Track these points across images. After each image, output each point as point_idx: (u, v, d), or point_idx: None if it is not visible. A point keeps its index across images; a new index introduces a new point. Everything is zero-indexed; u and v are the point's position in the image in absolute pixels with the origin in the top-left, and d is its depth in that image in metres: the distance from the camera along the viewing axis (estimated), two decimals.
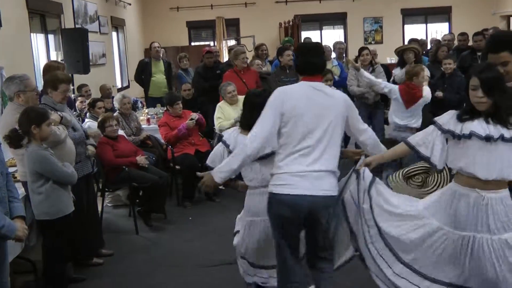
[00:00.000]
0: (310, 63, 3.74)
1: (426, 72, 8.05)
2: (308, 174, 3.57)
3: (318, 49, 3.86)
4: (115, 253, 5.93)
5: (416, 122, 7.43)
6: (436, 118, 3.60)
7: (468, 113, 3.43)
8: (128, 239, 6.45)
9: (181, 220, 7.00)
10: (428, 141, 3.57)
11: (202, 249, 5.99)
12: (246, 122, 4.11)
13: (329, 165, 3.61)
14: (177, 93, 8.60)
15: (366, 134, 3.94)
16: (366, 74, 7.90)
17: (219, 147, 4.33)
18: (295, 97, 3.66)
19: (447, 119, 3.51)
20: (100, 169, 6.59)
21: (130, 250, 6.08)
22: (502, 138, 3.31)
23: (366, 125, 3.95)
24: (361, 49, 8.59)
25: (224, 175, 3.69)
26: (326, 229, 3.73)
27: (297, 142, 3.61)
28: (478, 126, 3.37)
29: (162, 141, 7.86)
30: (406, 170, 4.41)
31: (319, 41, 16.04)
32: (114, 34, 13.25)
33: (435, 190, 4.08)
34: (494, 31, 9.89)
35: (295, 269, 3.82)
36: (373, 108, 8.48)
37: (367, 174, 3.69)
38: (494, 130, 3.33)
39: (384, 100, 8.71)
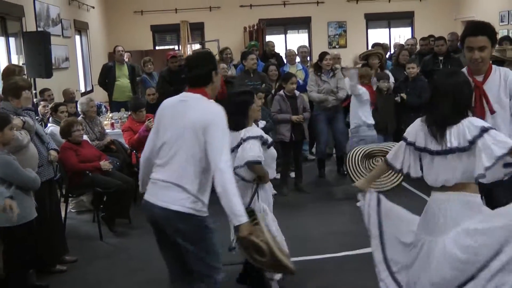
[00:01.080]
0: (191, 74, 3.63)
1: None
2: (157, 182, 3.55)
3: (201, 60, 3.69)
4: (79, 259, 5.89)
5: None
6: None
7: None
8: (92, 245, 6.41)
9: (146, 225, 6.86)
10: (398, 155, 3.68)
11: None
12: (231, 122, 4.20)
13: (177, 178, 3.48)
14: (142, 97, 8.56)
15: (217, 176, 3.40)
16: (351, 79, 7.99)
17: None
18: (164, 109, 3.67)
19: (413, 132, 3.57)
20: (63, 175, 6.53)
21: (94, 256, 6.04)
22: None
23: (223, 165, 3.38)
24: (323, 54, 8.67)
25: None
26: (190, 251, 3.57)
27: (158, 151, 3.60)
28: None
29: (127, 145, 7.82)
30: (369, 148, 4.41)
31: (284, 45, 16.16)
32: (77, 37, 13.11)
33: (389, 179, 4.10)
34: (452, 36, 10.12)
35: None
36: (333, 112, 8.56)
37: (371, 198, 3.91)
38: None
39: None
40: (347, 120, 8.49)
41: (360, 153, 4.16)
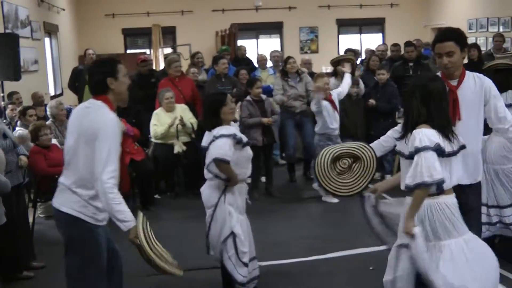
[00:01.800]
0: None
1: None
2: (59, 184, 3.70)
3: (97, 67, 3.73)
4: (47, 266, 5.81)
5: None
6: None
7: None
8: (61, 250, 6.28)
9: (119, 229, 6.91)
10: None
11: (136, 259, 5.92)
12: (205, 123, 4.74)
13: (67, 181, 3.60)
14: None
15: (97, 186, 3.43)
16: (346, 79, 8.02)
17: None
18: (72, 114, 3.81)
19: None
20: (31, 179, 6.45)
21: (63, 262, 5.96)
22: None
23: (105, 176, 3.40)
24: (287, 58, 8.77)
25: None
26: (70, 256, 3.72)
27: (65, 156, 3.71)
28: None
29: None
30: (337, 149, 4.10)
31: (256, 49, 16.21)
32: (47, 40, 12.99)
33: (355, 183, 4.05)
34: (419, 43, 10.28)
35: None
36: (301, 116, 8.61)
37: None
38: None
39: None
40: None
41: (328, 156, 4.09)
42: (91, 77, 3.67)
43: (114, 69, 3.64)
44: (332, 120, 7.55)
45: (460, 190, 3.80)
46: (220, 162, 4.45)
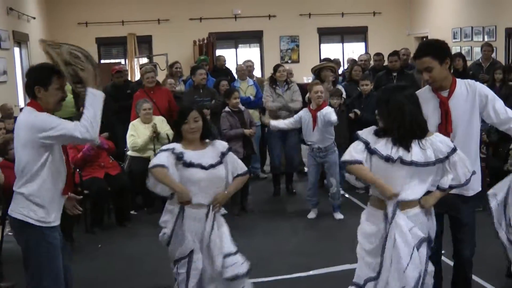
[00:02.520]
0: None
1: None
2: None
3: (28, 74, 3.96)
4: (17, 285, 5.73)
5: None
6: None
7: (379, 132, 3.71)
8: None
9: (90, 248, 6.87)
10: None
11: (112, 278, 5.90)
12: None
13: (15, 185, 3.86)
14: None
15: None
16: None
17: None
18: None
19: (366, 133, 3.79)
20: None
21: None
22: (400, 160, 3.59)
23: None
24: (276, 66, 8.82)
25: None
26: (25, 262, 3.90)
27: None
28: (383, 146, 3.63)
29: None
30: None
31: (235, 59, 16.25)
32: (16, 49, 12.89)
33: None
34: (407, 52, 10.39)
35: None
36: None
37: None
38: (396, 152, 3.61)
39: None
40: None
41: None
42: (26, 78, 3.92)
43: (47, 79, 3.79)
44: (307, 133, 7.54)
45: (452, 203, 3.82)
46: (154, 169, 4.15)
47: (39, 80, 3.79)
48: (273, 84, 8.66)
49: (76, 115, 8.54)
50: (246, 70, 9.82)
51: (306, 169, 10.08)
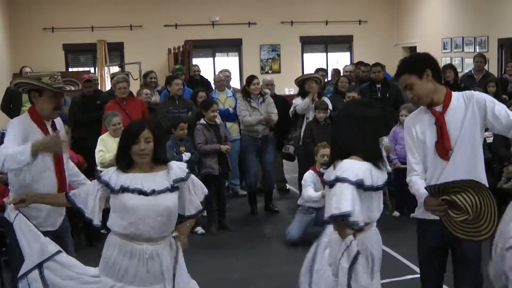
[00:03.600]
0: None
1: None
2: None
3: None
4: None
5: None
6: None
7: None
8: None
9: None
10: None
11: None
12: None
13: None
14: None
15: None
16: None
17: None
18: None
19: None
20: None
21: None
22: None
23: None
24: (250, 78, 8.86)
25: None
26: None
27: None
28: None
29: None
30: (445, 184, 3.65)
31: (212, 69, 16.27)
32: None
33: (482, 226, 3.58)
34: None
35: None
36: (263, 142, 8.72)
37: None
38: None
39: (284, 133, 8.96)
40: (287, 151, 8.65)
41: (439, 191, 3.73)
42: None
43: (38, 84, 4.38)
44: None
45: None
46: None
47: (34, 85, 4.42)
48: (247, 97, 8.69)
49: None
50: (224, 80, 9.84)
51: (288, 186, 10.16)
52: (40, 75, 4.44)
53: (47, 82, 4.36)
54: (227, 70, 10.55)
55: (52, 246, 3.92)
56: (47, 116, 4.47)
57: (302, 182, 7.45)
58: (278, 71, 16.81)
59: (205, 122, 7.94)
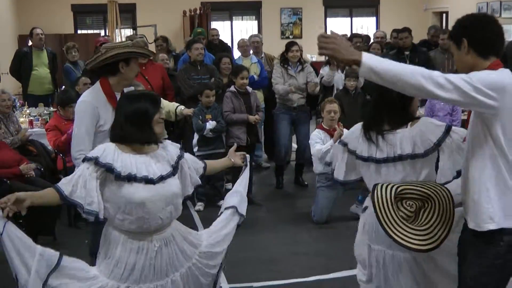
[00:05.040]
0: None
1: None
2: None
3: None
4: None
5: None
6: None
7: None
8: (9, 270, 6.19)
9: (74, 243, 6.80)
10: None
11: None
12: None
13: None
14: (70, 91, 8.33)
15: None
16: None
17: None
18: None
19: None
20: None
21: (12, 284, 5.85)
22: None
23: (73, 154, 4.52)
24: (289, 44, 8.73)
25: None
26: None
27: None
28: None
29: (50, 148, 7.65)
30: (402, 187, 3.60)
31: (230, 33, 16.18)
32: None
33: (431, 233, 3.47)
34: (437, 32, 10.37)
35: None
36: (298, 112, 8.66)
37: None
38: None
39: (311, 103, 8.91)
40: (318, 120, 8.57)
41: (390, 192, 3.64)
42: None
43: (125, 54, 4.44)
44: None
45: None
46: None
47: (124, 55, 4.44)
48: (284, 63, 8.63)
49: (60, 92, 8.50)
50: (250, 46, 9.77)
51: None
52: (122, 44, 4.58)
53: (132, 48, 4.53)
54: (257, 35, 10.45)
55: (51, 251, 3.46)
56: (122, 85, 4.54)
57: (309, 141, 7.31)
58: (300, 37, 16.69)
59: (234, 90, 7.90)
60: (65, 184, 3.48)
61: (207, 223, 7.07)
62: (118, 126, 3.59)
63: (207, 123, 7.68)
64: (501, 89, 2.99)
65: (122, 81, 4.51)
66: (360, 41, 10.53)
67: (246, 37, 10.52)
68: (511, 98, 3.02)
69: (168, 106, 7.26)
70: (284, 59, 8.64)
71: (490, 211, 3.07)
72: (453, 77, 2.96)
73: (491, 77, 3.01)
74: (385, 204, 3.49)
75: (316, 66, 9.81)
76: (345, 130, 3.94)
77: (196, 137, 7.82)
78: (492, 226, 3.06)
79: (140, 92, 3.87)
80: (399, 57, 9.39)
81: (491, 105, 2.98)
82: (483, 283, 3.12)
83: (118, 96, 4.39)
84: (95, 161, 3.45)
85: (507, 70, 3.12)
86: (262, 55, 10.15)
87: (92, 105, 4.41)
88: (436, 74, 2.97)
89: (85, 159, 3.50)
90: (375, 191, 3.57)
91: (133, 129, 3.52)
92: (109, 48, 4.44)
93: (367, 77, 3.00)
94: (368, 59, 2.96)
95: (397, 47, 10.23)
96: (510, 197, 3.07)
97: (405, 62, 9.08)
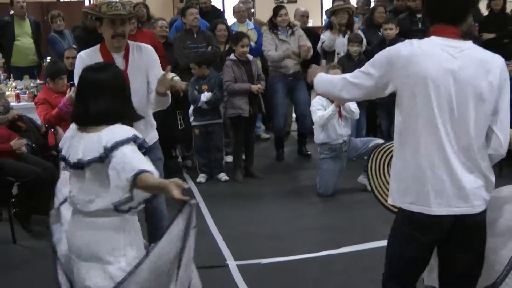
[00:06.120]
0: None
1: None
2: None
3: None
4: None
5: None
6: None
7: None
8: (4, 249, 6.21)
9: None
10: None
11: None
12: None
13: None
14: (59, 63, 8.25)
15: None
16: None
17: None
18: None
19: None
20: None
21: (7, 264, 5.85)
22: None
23: None
24: (277, 8, 8.72)
25: None
26: None
27: None
28: None
29: (40, 122, 7.60)
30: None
31: None
32: None
33: None
34: None
35: None
36: (294, 79, 8.64)
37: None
38: None
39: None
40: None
41: (385, 155, 3.71)
42: None
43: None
44: (333, 127, 7.23)
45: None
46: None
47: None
48: (273, 29, 8.57)
49: (50, 64, 8.41)
50: (245, 11, 9.70)
51: None
52: (100, 3, 4.73)
53: (104, 10, 4.54)
54: (248, 1, 10.37)
55: None
56: (111, 46, 4.63)
57: (310, 108, 7.36)
58: (294, 1, 16.56)
59: (235, 58, 7.85)
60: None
61: (207, 197, 7.22)
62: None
63: (202, 95, 7.68)
64: (385, 63, 3.15)
65: (108, 42, 4.64)
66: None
67: (237, 2, 10.40)
68: (400, 70, 3.10)
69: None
70: (273, 25, 8.57)
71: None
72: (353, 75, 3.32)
73: (379, 55, 3.22)
74: (378, 168, 3.60)
75: (316, 31, 9.77)
76: None
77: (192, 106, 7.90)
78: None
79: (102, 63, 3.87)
80: (411, 20, 9.31)
81: (371, 85, 3.22)
82: (390, 243, 3.39)
83: (117, 57, 4.65)
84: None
85: (415, 41, 3.15)
86: (252, 21, 10.08)
87: (83, 61, 4.53)
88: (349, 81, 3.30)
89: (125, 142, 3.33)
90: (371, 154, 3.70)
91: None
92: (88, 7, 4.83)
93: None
94: (317, 81, 3.56)
95: (400, 10, 10.08)
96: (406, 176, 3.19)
97: (417, 25, 9.09)
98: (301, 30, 8.80)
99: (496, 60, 3.12)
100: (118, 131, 3.37)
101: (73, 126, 3.55)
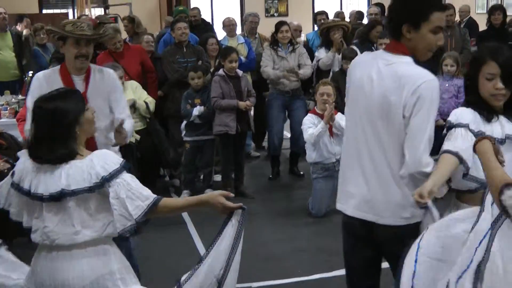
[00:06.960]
0: None
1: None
2: None
3: None
4: None
5: None
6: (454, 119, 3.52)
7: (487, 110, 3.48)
8: None
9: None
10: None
11: None
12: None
13: None
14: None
15: None
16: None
17: None
18: None
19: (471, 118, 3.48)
20: None
21: None
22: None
23: None
24: (279, 24, 8.75)
25: None
26: None
27: None
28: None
29: (21, 139, 7.58)
30: None
31: (210, 11, 16.10)
32: None
33: None
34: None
35: None
36: (291, 97, 8.66)
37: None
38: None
39: (305, 87, 8.91)
40: (308, 108, 8.54)
41: None
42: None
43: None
44: (325, 145, 7.26)
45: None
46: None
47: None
48: (274, 45, 8.63)
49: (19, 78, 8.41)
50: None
51: None
52: (65, 22, 4.57)
53: (69, 29, 4.46)
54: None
55: None
56: (73, 67, 4.55)
57: (302, 126, 7.39)
58: (285, 14, 16.67)
59: (223, 73, 7.87)
60: None
61: (195, 216, 7.18)
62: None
63: (194, 109, 7.70)
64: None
65: (70, 62, 4.55)
66: (323, 18, 10.57)
67: (228, 15, 10.45)
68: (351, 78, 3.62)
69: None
70: (274, 41, 8.63)
71: None
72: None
73: None
74: None
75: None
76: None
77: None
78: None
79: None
80: None
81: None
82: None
83: (77, 80, 4.58)
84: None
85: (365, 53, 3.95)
86: (256, 36, 10.13)
87: (40, 82, 4.56)
88: None
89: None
90: None
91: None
92: (53, 25, 4.76)
93: None
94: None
95: None
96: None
97: None
98: (303, 48, 8.87)
99: (419, 78, 3.31)
100: (110, 157, 3.33)
101: (26, 156, 3.38)
